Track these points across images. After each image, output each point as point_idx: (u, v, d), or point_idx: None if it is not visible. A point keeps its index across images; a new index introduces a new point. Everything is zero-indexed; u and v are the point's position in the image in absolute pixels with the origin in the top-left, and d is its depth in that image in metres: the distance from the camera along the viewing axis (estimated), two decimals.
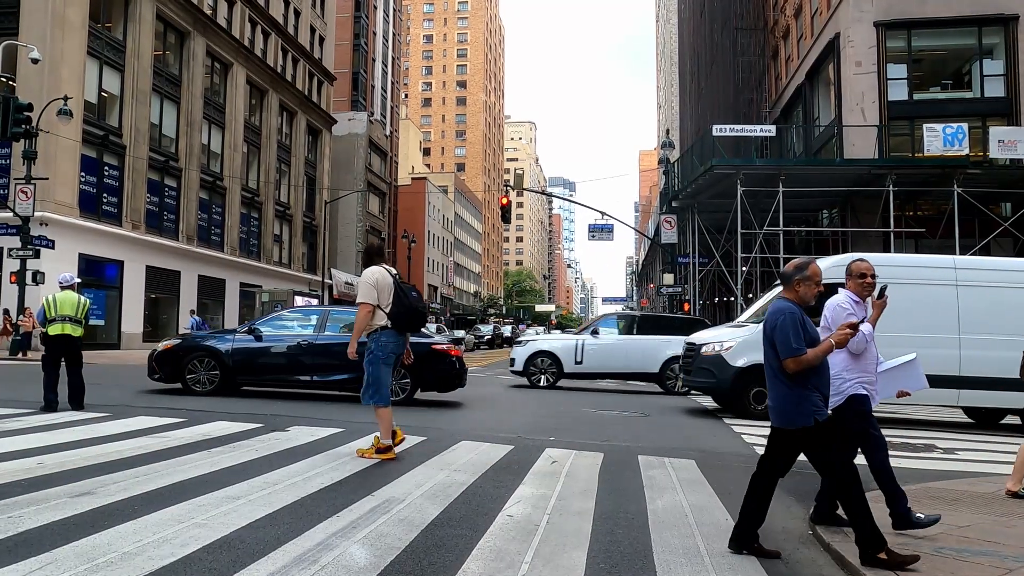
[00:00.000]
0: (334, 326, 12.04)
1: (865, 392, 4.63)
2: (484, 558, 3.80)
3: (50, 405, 8.87)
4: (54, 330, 9.08)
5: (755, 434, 9.54)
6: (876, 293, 4.76)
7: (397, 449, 6.69)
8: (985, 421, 12.61)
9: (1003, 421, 12.53)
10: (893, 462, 7.70)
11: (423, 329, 11.98)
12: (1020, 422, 11.61)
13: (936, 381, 11.07)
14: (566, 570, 3.69)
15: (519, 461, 6.70)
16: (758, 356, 11.26)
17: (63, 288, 9.36)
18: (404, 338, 6.85)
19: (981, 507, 5.37)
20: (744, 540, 4.15)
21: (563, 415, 11.18)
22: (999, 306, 11.28)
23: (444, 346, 12.00)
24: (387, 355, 6.67)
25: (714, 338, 12.29)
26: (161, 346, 11.92)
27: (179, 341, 12.02)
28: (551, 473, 6.22)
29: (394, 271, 6.87)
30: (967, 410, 12.89)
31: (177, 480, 5.20)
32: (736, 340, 11.68)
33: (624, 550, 4.11)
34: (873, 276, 4.78)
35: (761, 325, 12.96)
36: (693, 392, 15.15)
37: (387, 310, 6.63)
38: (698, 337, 12.93)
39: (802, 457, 8.01)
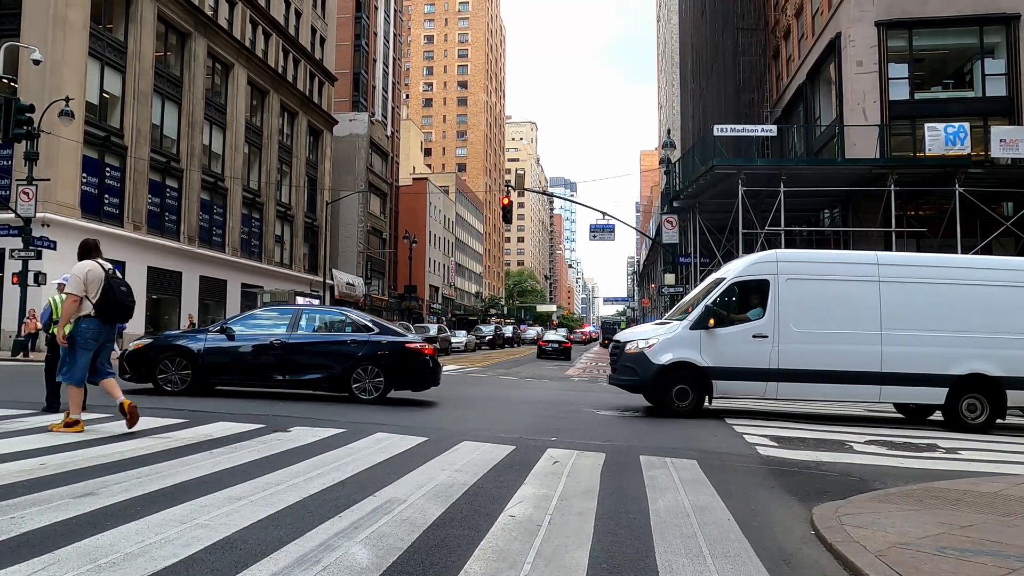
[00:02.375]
0: (308, 325, 11.99)
1: None
2: (486, 558, 3.79)
3: (52, 406, 8.88)
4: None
5: (757, 434, 9.54)
6: None
7: (76, 437, 7.02)
8: (915, 417, 12.59)
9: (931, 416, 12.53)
10: (895, 462, 7.73)
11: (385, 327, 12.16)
12: (942, 418, 11.53)
13: (858, 378, 11.10)
14: (568, 570, 3.68)
15: (521, 461, 6.70)
16: (682, 353, 11.31)
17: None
18: (110, 327, 7.59)
19: (984, 507, 5.35)
20: None
21: (565, 415, 11.18)
22: (919, 302, 11.33)
23: (417, 345, 11.87)
24: (86, 340, 7.35)
25: (638, 335, 12.23)
26: (132, 346, 11.69)
27: (150, 341, 11.86)
28: (553, 473, 6.22)
29: (108, 267, 7.60)
30: (898, 406, 12.87)
31: (179, 481, 5.19)
32: (659, 337, 11.57)
33: (626, 550, 4.10)
34: None
35: (684, 322, 12.78)
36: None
37: (94, 301, 7.32)
38: (623, 335, 12.95)
39: (805, 456, 8.01)
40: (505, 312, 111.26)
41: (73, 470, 5.41)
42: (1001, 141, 22.63)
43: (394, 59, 76.07)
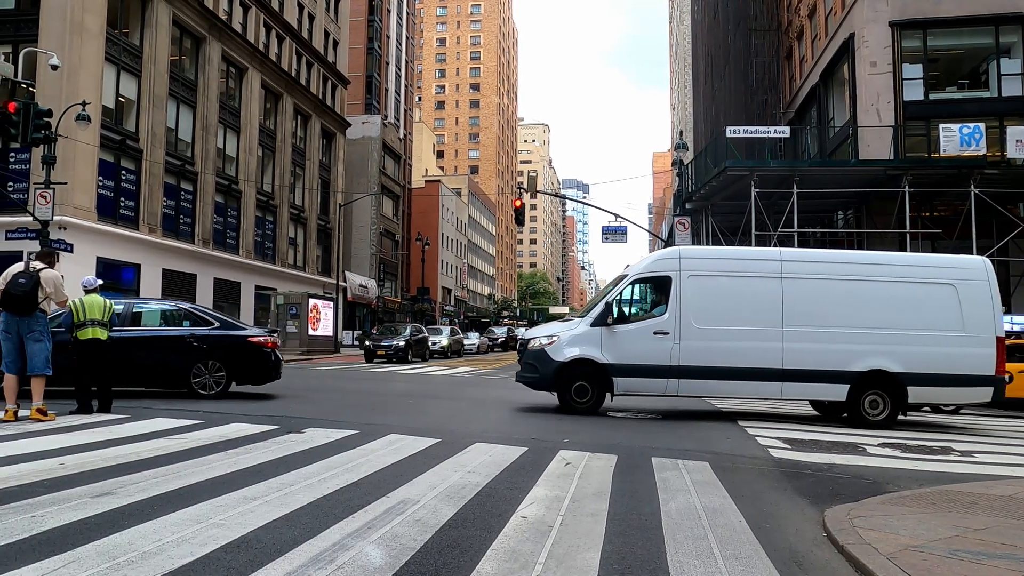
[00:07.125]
0: (143, 319, 11.82)
1: None
2: (498, 559, 3.82)
3: (87, 408, 8.99)
4: (84, 335, 9.09)
5: (769, 436, 9.51)
6: None
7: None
8: (830, 414, 12.44)
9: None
10: (909, 464, 7.70)
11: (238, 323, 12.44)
12: (846, 415, 11.41)
13: (759, 374, 11.04)
14: (579, 571, 3.70)
15: (533, 463, 6.72)
16: (583, 350, 11.27)
17: (88, 291, 9.39)
18: (16, 318, 8.18)
19: (998, 510, 5.33)
20: None
21: (577, 417, 11.18)
22: (820, 298, 11.26)
23: (260, 339, 11.91)
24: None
25: (540, 332, 12.31)
26: None
27: None
28: (565, 475, 6.23)
29: (20, 266, 8.32)
30: (813, 403, 12.81)
31: (195, 481, 5.26)
32: (560, 334, 11.58)
33: (637, 551, 4.12)
34: None
35: (586, 319, 12.84)
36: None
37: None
38: (528, 332, 13.07)
39: (817, 459, 7.98)
40: (518, 314, 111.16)
41: (91, 470, 5.49)
42: (1017, 142, 22.40)
43: (406, 62, 76.33)
